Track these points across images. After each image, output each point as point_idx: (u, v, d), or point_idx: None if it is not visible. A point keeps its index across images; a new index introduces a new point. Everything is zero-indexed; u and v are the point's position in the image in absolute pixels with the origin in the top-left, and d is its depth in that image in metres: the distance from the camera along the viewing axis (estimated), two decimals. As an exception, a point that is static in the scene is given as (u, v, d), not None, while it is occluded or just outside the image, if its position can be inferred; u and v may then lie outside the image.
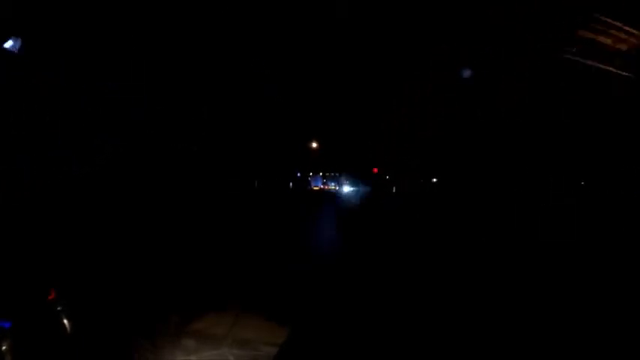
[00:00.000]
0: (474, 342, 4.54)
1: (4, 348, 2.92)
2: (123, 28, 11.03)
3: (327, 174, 47.26)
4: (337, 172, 45.98)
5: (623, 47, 9.20)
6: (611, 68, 9.80)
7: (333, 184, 46.97)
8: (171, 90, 14.02)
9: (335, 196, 38.18)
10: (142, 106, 13.07)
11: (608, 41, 9.07)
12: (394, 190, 32.77)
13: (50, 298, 3.29)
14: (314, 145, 38.90)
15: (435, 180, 26.61)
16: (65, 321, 3.29)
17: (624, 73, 9.93)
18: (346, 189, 41.43)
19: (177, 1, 12.79)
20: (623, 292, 6.06)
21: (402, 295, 6.35)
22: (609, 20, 8.40)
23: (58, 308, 3.30)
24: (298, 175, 39.78)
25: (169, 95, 14.05)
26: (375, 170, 36.54)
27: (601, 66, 9.76)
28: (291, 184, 36.05)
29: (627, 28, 8.56)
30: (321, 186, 45.51)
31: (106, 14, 10.35)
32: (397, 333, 4.76)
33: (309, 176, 44.90)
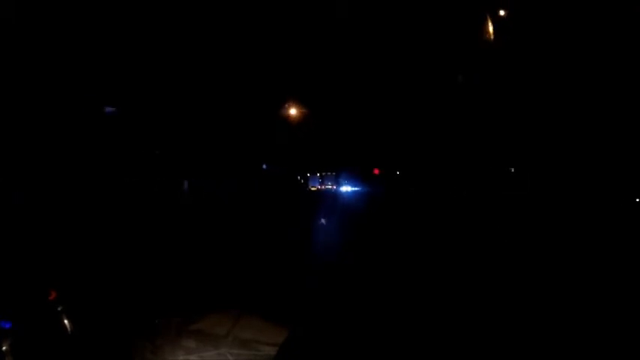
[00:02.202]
0: (474, 342, 4.54)
1: (4, 348, 2.92)
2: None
3: (324, 173, 46.97)
4: (334, 170, 45.68)
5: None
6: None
7: (330, 183, 46.74)
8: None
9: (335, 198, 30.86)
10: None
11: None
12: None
13: (51, 298, 3.29)
14: (292, 111, 22.97)
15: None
16: (66, 321, 3.29)
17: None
18: (345, 189, 40.90)
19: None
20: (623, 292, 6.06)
21: (403, 295, 6.35)
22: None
23: (59, 309, 3.30)
24: (264, 166, 26.53)
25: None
26: (377, 171, 35.95)
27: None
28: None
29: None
30: (319, 186, 45.37)
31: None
32: (397, 333, 4.77)
33: (308, 176, 44.62)
